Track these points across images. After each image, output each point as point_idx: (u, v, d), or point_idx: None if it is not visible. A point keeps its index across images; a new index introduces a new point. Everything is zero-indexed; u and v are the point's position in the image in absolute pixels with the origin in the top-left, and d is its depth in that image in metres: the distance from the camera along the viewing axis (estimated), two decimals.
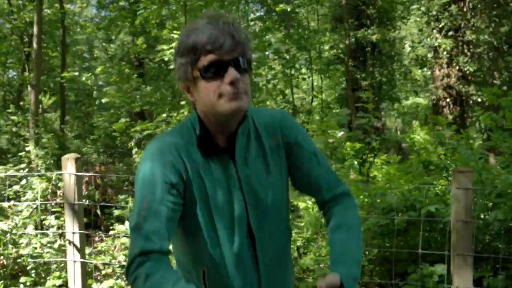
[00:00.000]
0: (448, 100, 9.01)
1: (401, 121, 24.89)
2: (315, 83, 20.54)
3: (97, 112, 16.05)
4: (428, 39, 9.31)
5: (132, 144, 5.95)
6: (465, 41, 8.84)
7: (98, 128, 14.52)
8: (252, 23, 20.24)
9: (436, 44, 9.07)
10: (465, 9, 8.81)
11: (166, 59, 6.14)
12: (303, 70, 26.99)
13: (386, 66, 14.35)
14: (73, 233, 3.30)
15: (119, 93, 8.57)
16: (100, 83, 12.40)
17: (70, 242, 3.32)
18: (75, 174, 3.28)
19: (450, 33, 8.99)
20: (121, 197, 4.78)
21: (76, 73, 10.85)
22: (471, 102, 9.38)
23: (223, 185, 1.29)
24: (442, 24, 8.97)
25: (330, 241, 1.34)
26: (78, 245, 3.30)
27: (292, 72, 13.21)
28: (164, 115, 7.27)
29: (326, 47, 17.18)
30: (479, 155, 4.09)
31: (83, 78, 10.59)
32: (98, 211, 5.24)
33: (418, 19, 10.10)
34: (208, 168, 1.28)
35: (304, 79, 16.80)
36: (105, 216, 5.35)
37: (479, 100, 8.81)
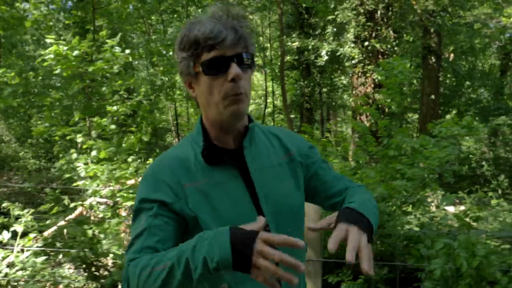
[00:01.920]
0: (365, 107, 9.35)
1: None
2: (269, 89, 20.91)
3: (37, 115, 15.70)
4: (342, 49, 9.67)
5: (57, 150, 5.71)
6: (372, 51, 9.22)
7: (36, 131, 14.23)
8: None
9: (345, 52, 9.44)
10: (376, 19, 9.21)
11: None
12: (258, 76, 27.34)
13: (326, 73, 14.75)
14: None
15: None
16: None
17: None
18: None
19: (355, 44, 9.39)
20: (4, 205, 4.75)
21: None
22: (387, 110, 9.76)
23: (232, 192, 1.23)
24: (350, 34, 9.35)
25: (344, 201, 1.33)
26: None
27: None
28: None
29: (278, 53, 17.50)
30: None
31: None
32: None
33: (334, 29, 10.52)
34: (213, 181, 1.22)
35: None
36: None
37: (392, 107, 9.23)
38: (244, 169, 1.26)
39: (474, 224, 5.45)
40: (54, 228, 4.61)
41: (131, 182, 4.02)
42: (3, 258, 4.36)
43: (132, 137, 5.87)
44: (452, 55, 15.15)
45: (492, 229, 6.09)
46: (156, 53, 9.94)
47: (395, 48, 9.32)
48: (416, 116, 16.16)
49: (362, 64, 9.43)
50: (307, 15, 14.51)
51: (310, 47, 11.59)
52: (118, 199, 3.96)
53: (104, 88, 5.82)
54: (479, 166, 13.56)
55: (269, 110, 23.07)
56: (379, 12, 9.21)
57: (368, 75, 9.34)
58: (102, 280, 3.62)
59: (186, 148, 1.28)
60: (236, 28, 1.17)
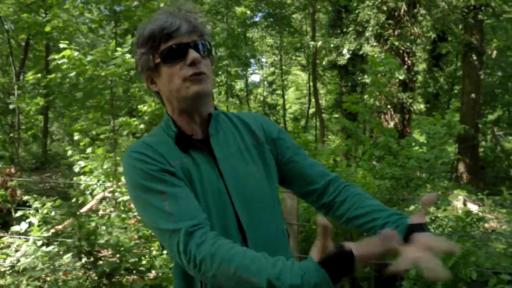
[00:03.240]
0: (389, 106, 9.19)
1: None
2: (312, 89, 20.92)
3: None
4: (363, 47, 9.53)
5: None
6: (394, 49, 9.01)
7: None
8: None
9: (365, 51, 9.28)
10: (397, 17, 8.99)
11: None
12: (302, 75, 27.28)
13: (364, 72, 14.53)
14: None
15: None
16: None
17: None
18: None
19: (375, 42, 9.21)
20: (25, 198, 5.19)
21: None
22: (412, 109, 9.52)
23: (209, 174, 1.25)
24: (369, 32, 9.18)
25: (353, 202, 1.32)
26: None
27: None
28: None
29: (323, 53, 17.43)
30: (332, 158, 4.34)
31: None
32: (13, 212, 5.69)
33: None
34: (190, 162, 1.24)
35: None
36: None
37: (415, 107, 9.01)
38: (214, 156, 1.28)
39: (477, 225, 5.31)
40: (67, 221, 4.99)
41: None
42: (18, 246, 4.80)
43: None
44: (495, 52, 14.45)
45: (505, 231, 5.87)
46: None
47: (419, 46, 9.05)
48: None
49: None
50: (346, 13, 14.35)
51: (332, 45, 11.49)
52: (116, 193, 4.24)
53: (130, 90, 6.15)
54: None
55: (313, 109, 23.08)
56: (402, 10, 9.01)
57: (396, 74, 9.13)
58: (96, 270, 3.91)
59: (161, 135, 1.30)
60: (189, 18, 1.22)
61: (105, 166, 4.10)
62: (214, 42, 15.93)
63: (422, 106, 15.80)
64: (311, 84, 20.21)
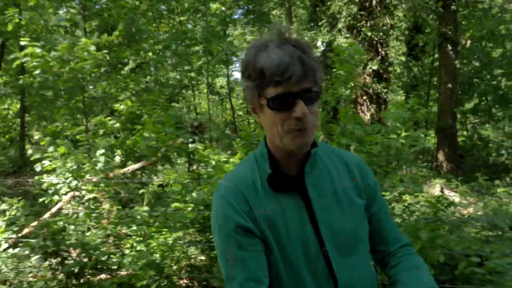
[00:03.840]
0: (364, 97, 9.23)
1: None
2: None
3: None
4: (336, 39, 9.55)
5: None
6: (368, 40, 9.06)
7: None
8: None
9: (338, 43, 9.31)
10: (370, 8, 9.03)
11: None
12: None
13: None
14: None
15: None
16: None
17: None
18: None
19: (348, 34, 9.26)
20: None
21: None
22: (387, 99, 9.57)
23: (295, 219, 1.23)
24: (341, 23, 9.21)
25: (409, 280, 1.30)
26: None
27: None
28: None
29: None
30: None
31: None
32: None
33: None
34: (276, 209, 1.23)
35: None
36: None
37: (390, 97, 9.07)
38: (307, 196, 1.25)
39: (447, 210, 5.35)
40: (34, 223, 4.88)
41: (93, 177, 4.21)
42: None
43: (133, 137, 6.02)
44: (469, 41, 14.62)
45: (478, 216, 5.93)
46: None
47: (391, 37, 9.12)
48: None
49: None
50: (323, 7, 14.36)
51: (306, 39, 11.48)
52: (83, 191, 4.16)
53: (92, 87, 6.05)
54: (498, 155, 13.08)
55: None
56: (374, 0, 9.04)
57: (369, 66, 9.18)
58: (63, 269, 3.83)
59: (252, 170, 1.28)
60: (304, 60, 1.12)
61: (68, 165, 4.02)
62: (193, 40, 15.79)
63: (400, 97, 15.93)
64: None
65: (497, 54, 15.87)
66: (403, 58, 18.83)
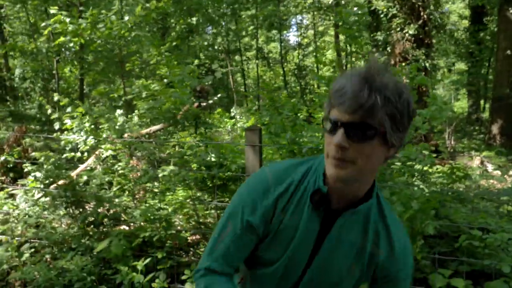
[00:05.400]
0: (403, 64, 8.83)
1: None
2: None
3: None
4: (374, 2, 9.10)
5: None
6: (409, 4, 8.54)
7: None
8: None
9: (376, 7, 8.86)
10: None
11: None
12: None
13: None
14: None
15: None
16: None
17: None
18: None
19: None
20: (32, 154, 5.51)
21: None
22: (427, 66, 9.08)
23: (299, 243, 1.26)
24: None
25: None
26: None
27: None
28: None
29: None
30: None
31: None
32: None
33: None
34: (294, 224, 1.25)
35: None
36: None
37: (428, 64, 8.58)
38: (325, 230, 1.26)
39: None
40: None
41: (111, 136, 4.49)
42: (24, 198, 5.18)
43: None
44: None
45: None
46: None
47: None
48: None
49: (397, 19, 8.86)
50: None
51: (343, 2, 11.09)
52: (101, 150, 4.49)
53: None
54: None
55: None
56: None
57: (406, 30, 8.76)
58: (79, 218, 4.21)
59: (305, 173, 1.28)
60: (370, 95, 1.04)
61: (86, 124, 4.32)
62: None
63: (443, 63, 15.07)
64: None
65: None
66: (466, 23, 17.70)
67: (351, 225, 1.25)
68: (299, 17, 26.56)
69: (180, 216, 4.57)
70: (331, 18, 24.41)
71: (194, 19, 13.71)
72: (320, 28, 25.03)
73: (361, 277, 1.31)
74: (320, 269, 1.28)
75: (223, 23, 14.96)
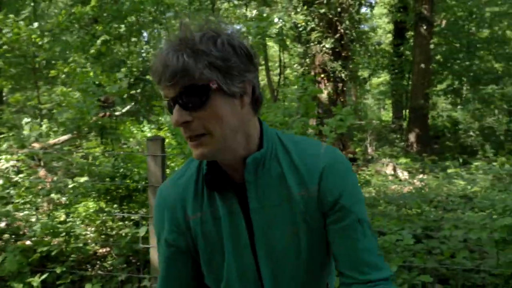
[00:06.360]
0: (322, 75, 9.26)
1: None
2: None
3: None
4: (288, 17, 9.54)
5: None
6: (325, 18, 9.01)
7: None
8: None
9: (293, 20, 9.29)
10: None
11: None
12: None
13: None
14: None
15: None
16: None
17: None
18: None
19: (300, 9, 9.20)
20: None
21: None
22: (343, 77, 9.58)
23: (231, 230, 1.11)
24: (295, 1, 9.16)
25: None
26: None
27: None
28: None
29: None
30: None
31: None
32: None
33: None
34: (210, 215, 1.13)
35: None
36: None
37: (343, 75, 9.11)
38: (246, 208, 1.11)
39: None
40: None
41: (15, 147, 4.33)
42: None
43: None
44: (444, 22, 14.59)
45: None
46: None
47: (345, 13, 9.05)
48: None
49: (315, 32, 9.28)
50: None
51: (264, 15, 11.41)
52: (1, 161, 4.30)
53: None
54: (467, 136, 13.24)
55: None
56: None
57: (323, 44, 9.20)
58: None
59: (198, 169, 1.16)
60: (175, 58, 0.94)
61: None
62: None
63: (365, 73, 15.92)
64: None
65: (481, 35, 15.84)
66: (390, 37, 18.72)
67: (264, 183, 1.09)
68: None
69: (93, 229, 4.46)
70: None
71: (123, 26, 13.47)
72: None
73: (315, 232, 1.11)
74: (269, 253, 1.12)
75: (144, 33, 14.80)
